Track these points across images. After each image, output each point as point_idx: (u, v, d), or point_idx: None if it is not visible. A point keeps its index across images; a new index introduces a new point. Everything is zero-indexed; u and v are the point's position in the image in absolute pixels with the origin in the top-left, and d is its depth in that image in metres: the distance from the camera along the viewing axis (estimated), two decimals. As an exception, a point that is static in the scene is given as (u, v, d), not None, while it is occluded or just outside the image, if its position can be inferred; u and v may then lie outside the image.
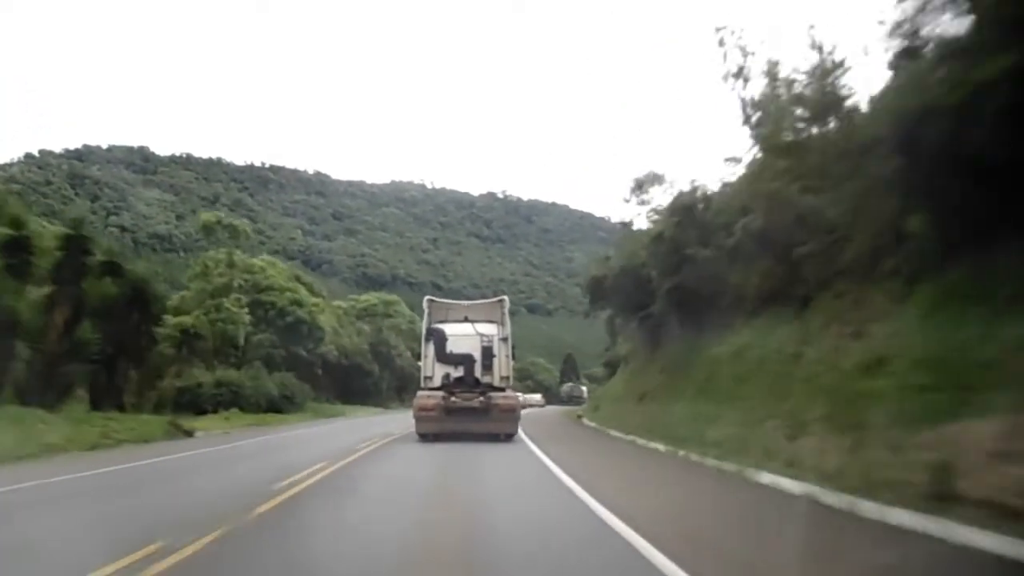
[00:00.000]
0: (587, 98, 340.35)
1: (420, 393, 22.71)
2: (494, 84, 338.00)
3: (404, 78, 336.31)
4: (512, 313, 25.44)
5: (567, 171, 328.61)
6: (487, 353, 22.98)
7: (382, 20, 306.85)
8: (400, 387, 74.50)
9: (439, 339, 23.11)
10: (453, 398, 21.49)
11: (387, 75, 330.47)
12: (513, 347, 24.23)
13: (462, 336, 23.21)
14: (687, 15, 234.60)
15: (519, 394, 65.83)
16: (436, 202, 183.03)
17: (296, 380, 45.70)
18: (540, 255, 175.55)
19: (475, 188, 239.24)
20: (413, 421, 22.43)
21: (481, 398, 21.46)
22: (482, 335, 23.29)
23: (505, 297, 25.52)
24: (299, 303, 51.36)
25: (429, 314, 24.19)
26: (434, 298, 26.39)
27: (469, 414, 21.29)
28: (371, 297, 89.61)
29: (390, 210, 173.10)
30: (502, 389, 22.42)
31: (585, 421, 36.40)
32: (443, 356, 22.97)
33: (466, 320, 24.00)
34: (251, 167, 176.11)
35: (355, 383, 64.57)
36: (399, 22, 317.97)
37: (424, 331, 24.03)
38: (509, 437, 21.64)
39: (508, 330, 23.55)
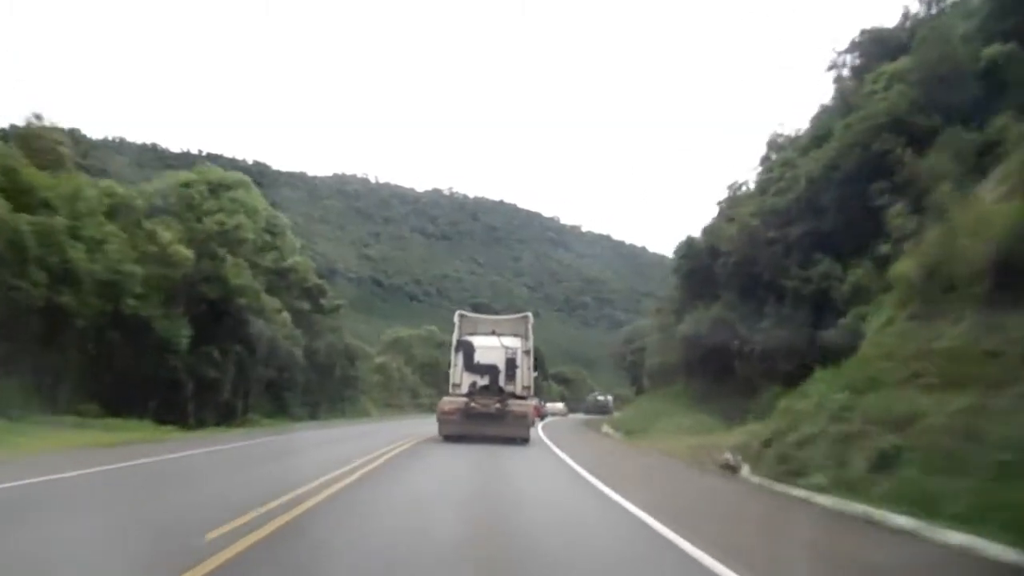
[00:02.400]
0: (535, 95, 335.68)
1: (444, 399, 24.79)
2: (441, 78, 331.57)
3: (349, 70, 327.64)
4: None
5: (514, 169, 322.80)
6: (511, 364, 24.73)
7: (327, 9, 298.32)
8: (278, 386, 45.17)
9: (467, 350, 24.95)
10: (472, 404, 23.37)
11: (331, 66, 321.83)
12: (536, 359, 26.22)
13: (489, 348, 24.98)
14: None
15: (545, 403, 61.64)
16: (380, 196, 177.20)
17: None
18: (486, 253, 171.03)
19: (420, 184, 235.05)
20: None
21: (498, 405, 23.31)
22: (507, 347, 25.01)
23: (529, 314, 27.32)
24: None
25: (459, 327, 25.88)
26: (464, 312, 28.09)
27: (486, 419, 23.13)
28: (187, 174, 46.47)
29: (331, 203, 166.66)
30: (523, 397, 24.63)
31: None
32: (471, 366, 24.76)
33: (493, 333, 25.80)
34: (187, 154, 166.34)
35: (122, 372, 30.35)
36: (344, 13, 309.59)
37: (454, 342, 25.78)
38: (524, 441, 23.55)
39: (531, 344, 25.57)
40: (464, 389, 24.32)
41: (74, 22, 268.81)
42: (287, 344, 43.87)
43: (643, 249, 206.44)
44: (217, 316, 36.75)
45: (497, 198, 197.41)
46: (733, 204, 35.76)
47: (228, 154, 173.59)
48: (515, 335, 25.77)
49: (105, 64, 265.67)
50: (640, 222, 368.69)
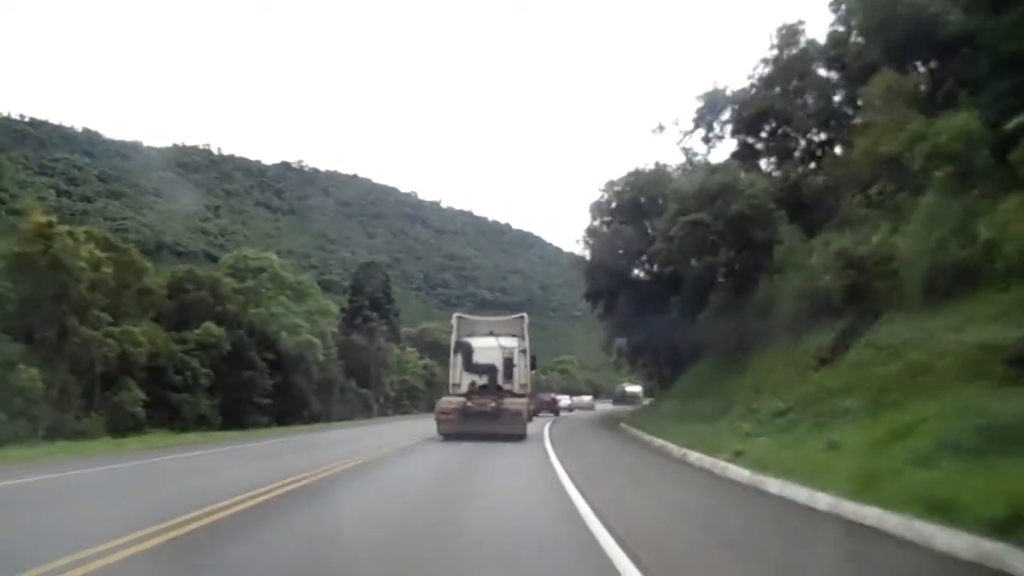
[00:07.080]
0: (390, 66, 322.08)
1: (443, 398, 25.31)
2: (289, 47, 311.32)
3: (195, 36, 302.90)
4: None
5: (368, 144, 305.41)
6: (508, 364, 25.57)
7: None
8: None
9: (466, 351, 25.74)
10: (470, 403, 23.88)
11: (176, 31, 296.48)
12: (532, 357, 26.97)
13: (486, 348, 25.71)
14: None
15: (564, 396, 67.89)
16: (222, 169, 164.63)
17: None
18: (338, 229, 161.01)
19: (268, 157, 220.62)
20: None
21: (494, 403, 23.74)
22: (504, 347, 25.76)
23: (525, 315, 27.87)
24: None
25: (457, 329, 26.69)
26: (463, 315, 29.00)
27: (483, 417, 23.46)
28: None
29: (167, 174, 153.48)
30: (521, 395, 25.23)
31: None
32: (469, 366, 25.61)
33: (491, 334, 26.37)
34: (7, 119, 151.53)
35: None
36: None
37: (453, 344, 26.58)
38: (521, 438, 23.64)
39: (527, 343, 26.21)
40: (463, 389, 25.13)
41: None
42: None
43: (507, 226, 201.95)
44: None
45: (350, 172, 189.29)
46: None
47: (55, 120, 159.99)
48: (512, 335, 26.38)
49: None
50: (503, 198, 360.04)
